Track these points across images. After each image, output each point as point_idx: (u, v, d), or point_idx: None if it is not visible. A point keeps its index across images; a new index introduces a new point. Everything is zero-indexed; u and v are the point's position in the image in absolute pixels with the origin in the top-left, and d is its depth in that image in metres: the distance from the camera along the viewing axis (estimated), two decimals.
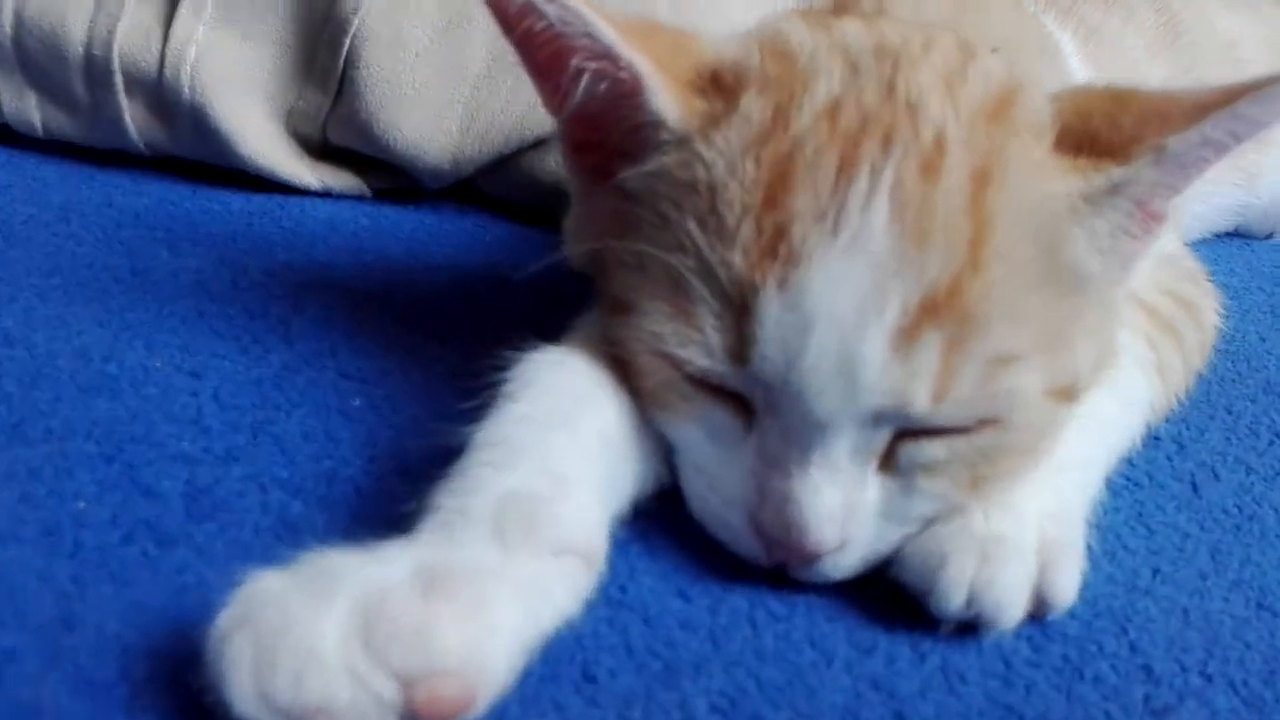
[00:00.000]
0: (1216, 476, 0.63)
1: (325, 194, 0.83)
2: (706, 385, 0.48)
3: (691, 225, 0.47)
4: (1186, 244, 0.78)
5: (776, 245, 0.45)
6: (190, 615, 0.43)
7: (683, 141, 0.49)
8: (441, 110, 0.79)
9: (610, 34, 0.48)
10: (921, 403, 0.45)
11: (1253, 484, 0.63)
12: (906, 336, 0.45)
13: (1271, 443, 0.67)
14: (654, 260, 0.48)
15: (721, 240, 0.46)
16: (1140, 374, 0.60)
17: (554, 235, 0.81)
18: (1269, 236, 0.99)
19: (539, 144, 0.81)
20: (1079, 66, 0.76)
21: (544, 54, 0.50)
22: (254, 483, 0.52)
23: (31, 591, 0.43)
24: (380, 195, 0.84)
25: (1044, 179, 0.47)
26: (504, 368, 0.50)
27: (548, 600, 0.42)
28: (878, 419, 0.46)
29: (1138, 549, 0.56)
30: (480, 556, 0.40)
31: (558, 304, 0.56)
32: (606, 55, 0.48)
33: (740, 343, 0.46)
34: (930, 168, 0.46)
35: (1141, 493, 0.60)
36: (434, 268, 0.76)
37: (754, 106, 0.48)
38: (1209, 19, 0.92)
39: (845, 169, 0.45)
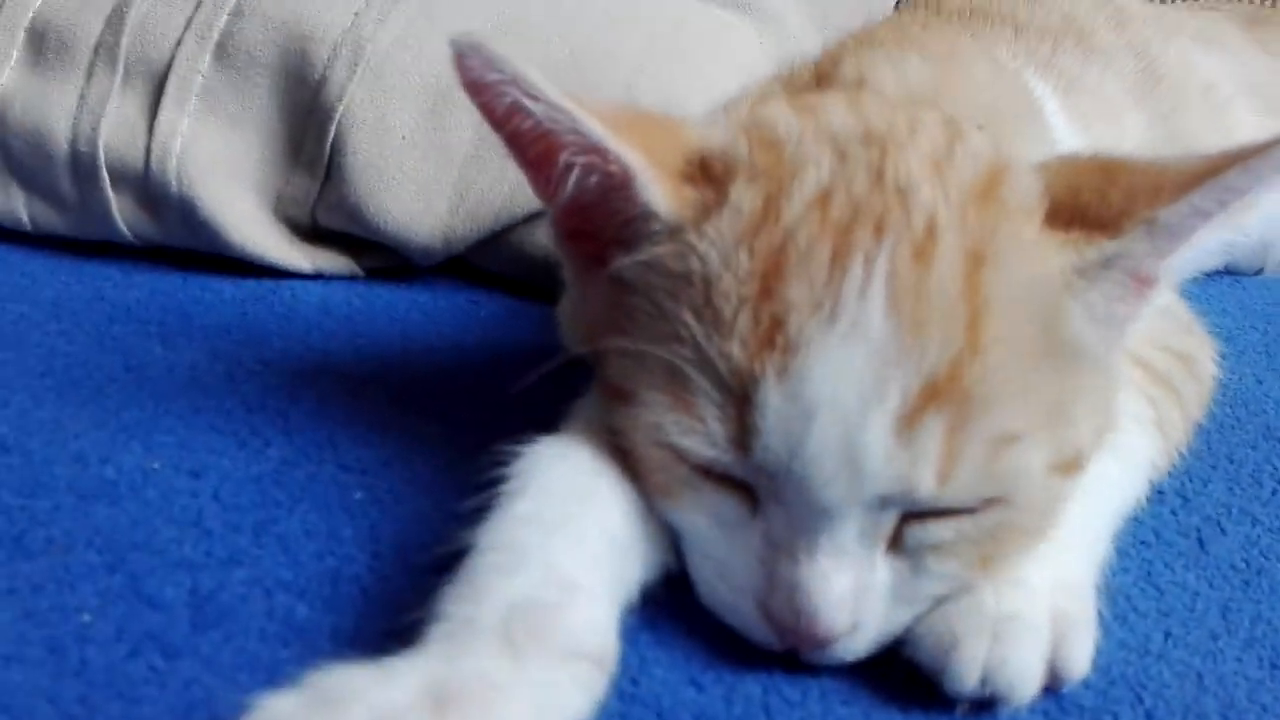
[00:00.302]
0: (1223, 530, 0.63)
1: (317, 276, 0.83)
2: (711, 474, 0.48)
3: (688, 316, 0.47)
4: (1178, 282, 0.79)
5: (774, 335, 0.45)
6: None
7: (675, 232, 0.49)
8: (430, 192, 0.79)
9: (598, 128, 0.49)
10: (927, 486, 0.45)
11: (1259, 536, 0.63)
12: (909, 422, 0.45)
13: (1275, 491, 0.67)
14: (652, 350, 0.48)
15: (719, 331, 0.46)
16: (1141, 433, 0.60)
17: (546, 309, 0.82)
18: (1258, 272, 1.00)
19: (528, 219, 0.81)
20: (1062, 120, 0.77)
21: (533, 150, 0.51)
22: (258, 586, 0.52)
23: (40, 715, 0.43)
24: (372, 274, 0.85)
25: (1037, 257, 0.48)
26: (505, 463, 0.50)
27: (561, 707, 0.41)
28: (884, 503, 0.46)
29: (1148, 611, 0.56)
30: (490, 667, 0.40)
31: (556, 379, 0.56)
32: (595, 150, 0.49)
33: (742, 432, 0.46)
34: (923, 253, 0.46)
35: (1149, 551, 0.60)
36: (429, 347, 0.76)
37: (744, 197, 0.48)
38: (1186, 62, 0.93)
39: (839, 258, 0.46)
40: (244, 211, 0.80)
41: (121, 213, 0.80)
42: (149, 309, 0.77)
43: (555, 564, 0.45)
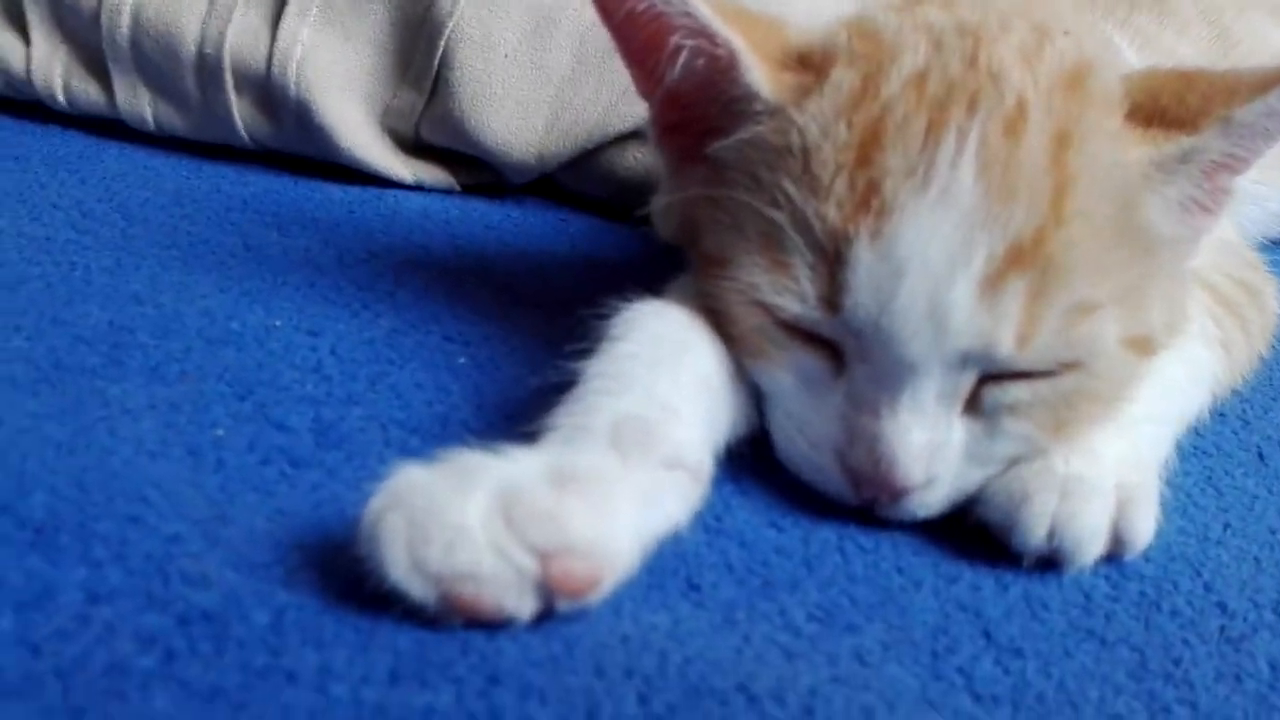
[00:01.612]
0: None
1: (417, 187, 0.88)
2: (799, 332, 0.52)
3: (786, 184, 0.51)
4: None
5: (869, 199, 0.49)
6: (330, 522, 0.47)
7: (776, 111, 0.52)
8: (529, 109, 0.84)
9: (707, 12, 0.52)
10: (1006, 346, 0.48)
11: None
12: (993, 284, 0.48)
13: None
14: (749, 217, 0.52)
15: (816, 196, 0.50)
16: (1205, 348, 0.63)
17: (631, 229, 0.86)
18: None
19: (619, 141, 0.85)
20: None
21: (644, 35, 0.54)
22: (374, 422, 0.56)
23: (185, 495, 0.47)
24: (467, 190, 0.89)
25: (1119, 146, 0.51)
26: (607, 316, 0.54)
27: (661, 508, 0.45)
28: (964, 362, 0.49)
29: (1208, 507, 0.58)
30: (603, 463, 0.44)
31: (646, 285, 0.60)
32: (704, 33, 0.53)
33: (833, 290, 0.49)
34: (1013, 129, 0.49)
35: (1210, 460, 0.63)
36: (524, 252, 0.80)
37: (844, 77, 0.51)
38: (1259, 32, 0.96)
39: (933, 130, 0.49)
40: (354, 120, 0.85)
41: (241, 115, 0.85)
42: (263, 203, 0.82)
43: (657, 391, 0.48)
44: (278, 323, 0.65)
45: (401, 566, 0.39)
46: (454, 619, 0.40)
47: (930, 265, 0.48)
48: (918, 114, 0.49)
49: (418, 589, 0.39)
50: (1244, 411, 0.68)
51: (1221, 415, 0.67)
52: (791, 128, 0.51)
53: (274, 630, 0.39)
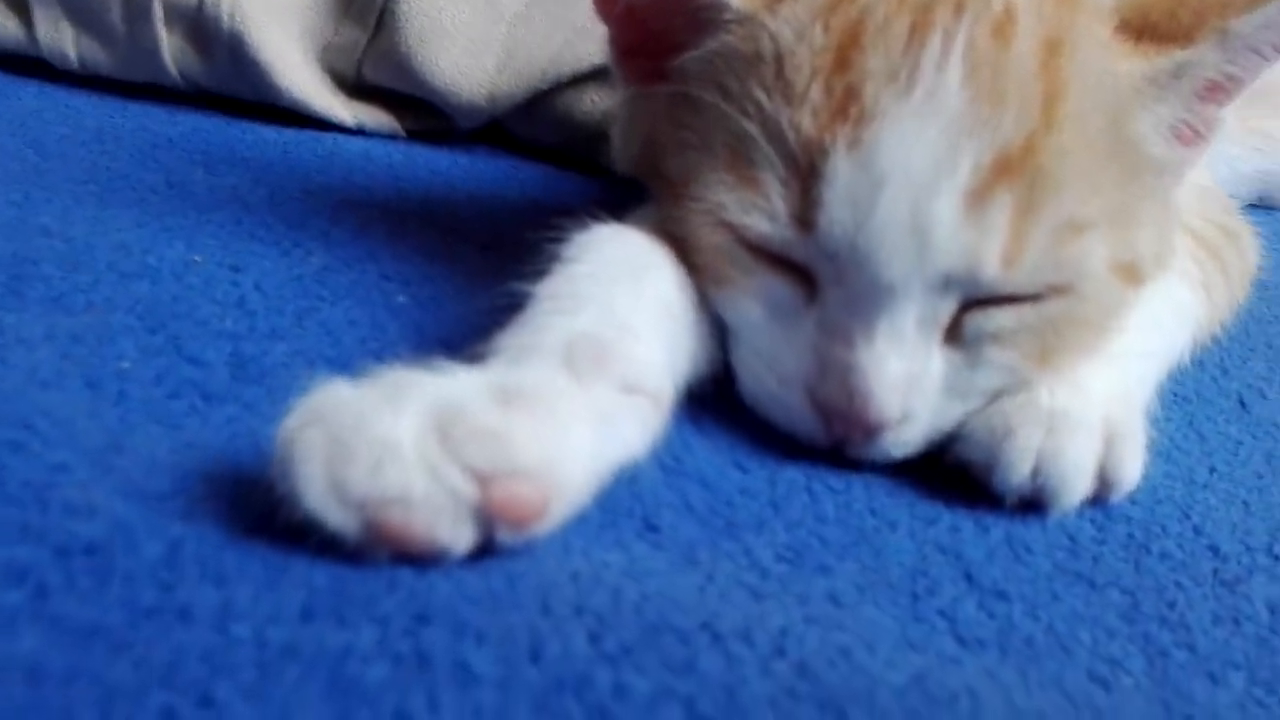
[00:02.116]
0: (1263, 396, 0.63)
1: (359, 131, 0.83)
2: (767, 256, 0.48)
3: (758, 93, 0.47)
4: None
5: (847, 106, 0.45)
6: (244, 456, 0.42)
7: (746, 19, 0.48)
8: (479, 47, 0.79)
9: None
10: (992, 266, 0.45)
11: None
12: (979, 196, 0.44)
13: None
14: (717, 130, 0.48)
15: (790, 103, 0.46)
16: (1188, 289, 0.60)
17: (586, 177, 0.81)
18: None
19: (575, 83, 0.81)
20: None
21: None
22: (300, 358, 0.51)
23: (78, 425, 0.42)
24: (413, 135, 0.84)
25: (1111, 57, 0.48)
26: (562, 239, 0.49)
27: (618, 433, 0.41)
28: (946, 284, 0.45)
29: (1192, 452, 0.56)
30: (553, 381, 0.39)
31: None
32: None
33: (806, 206, 0.46)
34: (1002, 32, 0.46)
35: (1191, 407, 0.60)
36: (471, 196, 0.75)
37: None
38: None
39: (917, 31, 0.45)
40: (291, 57, 0.80)
41: (171, 50, 0.80)
42: (192, 141, 0.77)
43: (615, 310, 0.44)
44: (198, 258, 0.59)
45: (319, 488, 0.34)
46: (379, 551, 0.35)
47: (913, 176, 0.44)
48: (900, 15, 0.46)
49: (337, 515, 0.34)
50: (1222, 360, 0.66)
51: (1200, 363, 0.64)
52: (763, 34, 0.47)
53: (167, 564, 0.34)
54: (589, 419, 0.39)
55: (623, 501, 0.43)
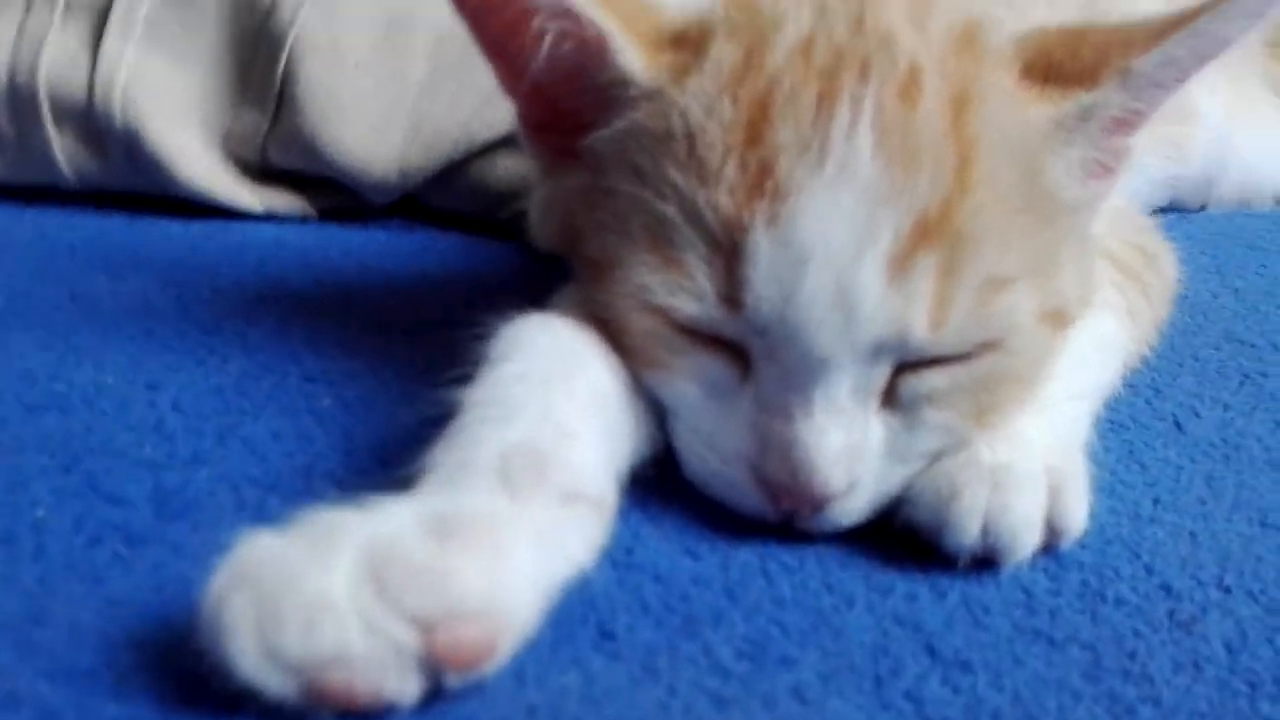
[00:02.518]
0: (1197, 415, 0.63)
1: (268, 217, 0.81)
2: (698, 336, 0.47)
3: (672, 172, 0.46)
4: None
5: (763, 181, 0.44)
6: (172, 608, 0.40)
7: (653, 94, 0.48)
8: (385, 120, 0.77)
9: None
10: (920, 330, 0.44)
11: (1232, 419, 0.63)
12: (901, 263, 0.44)
13: (1242, 382, 0.68)
14: (634, 214, 0.47)
15: (705, 183, 0.45)
16: (1113, 317, 0.60)
17: (504, 245, 0.80)
18: (1202, 208, 1.02)
19: (487, 151, 0.80)
20: None
21: (502, 18, 0.49)
22: (225, 482, 0.49)
23: None
24: (325, 215, 0.82)
25: (1018, 106, 0.48)
26: (486, 336, 0.48)
27: (562, 548, 0.40)
28: (878, 351, 0.45)
29: (1135, 483, 0.56)
30: (491, 503, 0.38)
31: (527, 303, 0.54)
32: (569, 14, 0.48)
33: (732, 286, 0.45)
34: (909, 94, 0.45)
35: (1129, 434, 0.60)
36: (389, 276, 0.74)
37: (725, 51, 0.47)
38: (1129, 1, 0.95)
39: (825, 100, 0.45)
40: (191, 148, 0.77)
41: (63, 150, 0.77)
42: (93, 247, 0.74)
43: (550, 413, 0.43)
44: (110, 379, 0.57)
45: (252, 657, 0.32)
46: (323, 712, 0.33)
47: (834, 248, 0.44)
48: (807, 84, 0.45)
49: (275, 682, 0.33)
50: (1154, 381, 0.66)
51: (1133, 386, 0.64)
52: (672, 110, 0.47)
53: None
54: (532, 540, 0.38)
55: (575, 609, 0.42)
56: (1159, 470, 0.57)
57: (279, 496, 0.49)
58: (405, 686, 0.34)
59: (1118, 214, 0.67)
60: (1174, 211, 1.01)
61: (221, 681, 0.34)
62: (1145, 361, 0.66)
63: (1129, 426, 0.61)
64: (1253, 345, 0.74)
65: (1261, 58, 1.06)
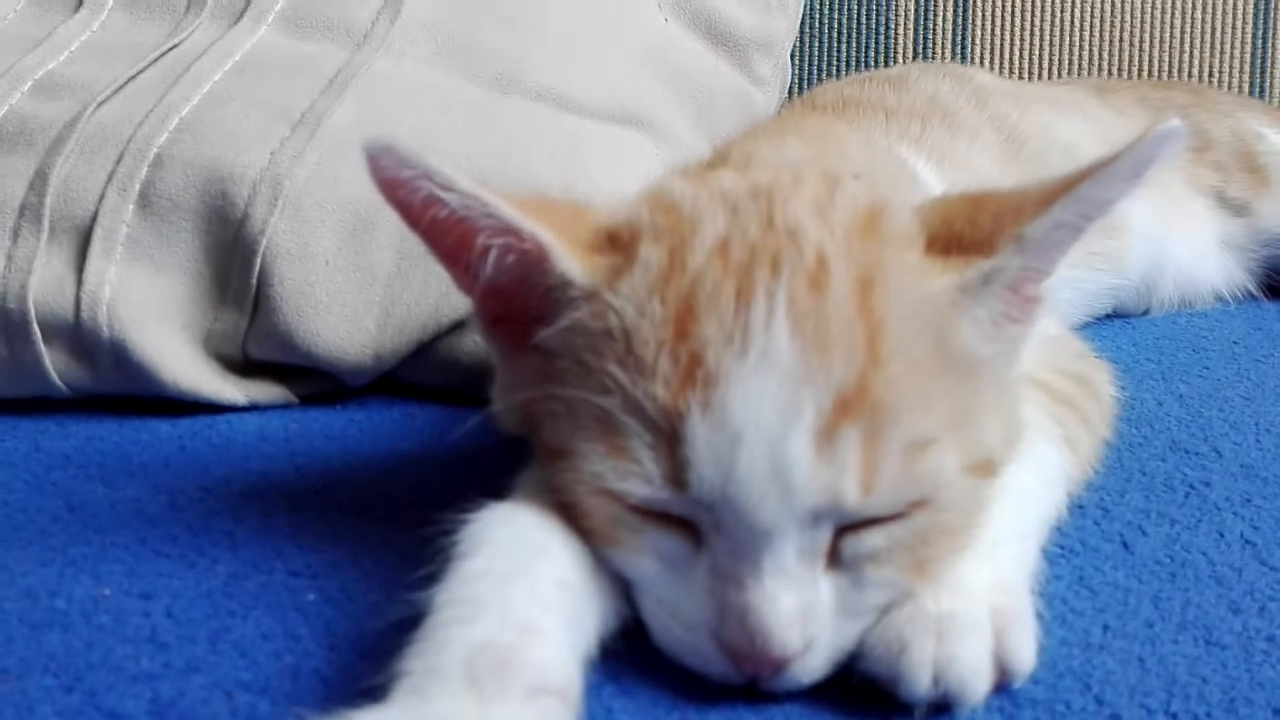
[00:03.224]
0: (1144, 532, 0.66)
1: (252, 407, 0.85)
2: (651, 515, 0.50)
3: (613, 368, 0.50)
4: (1069, 322, 0.84)
5: (694, 371, 0.48)
6: None
7: (592, 295, 0.52)
8: (357, 312, 0.82)
9: (510, 211, 0.52)
10: (852, 495, 0.48)
11: (1179, 534, 0.66)
12: (827, 435, 0.48)
13: (1188, 494, 0.71)
14: (583, 406, 0.51)
15: (643, 376, 0.49)
16: (1051, 447, 0.64)
17: (480, 411, 0.84)
18: (1145, 312, 1.06)
19: (455, 328, 0.84)
20: (935, 183, 0.83)
21: (450, 239, 0.54)
22: (218, 689, 0.52)
23: None
24: (306, 401, 0.86)
25: (922, 279, 0.52)
26: (453, 531, 0.51)
27: None
28: (816, 518, 0.48)
29: (1084, 610, 0.58)
30: (458, 709, 0.41)
31: (497, 475, 0.58)
32: (509, 230, 0.53)
33: (675, 468, 0.48)
34: (817, 283, 0.50)
35: (1078, 558, 0.63)
36: (369, 459, 0.77)
37: (651, 254, 0.52)
38: (1045, 127, 1.02)
39: (743, 295, 0.49)
40: (175, 351, 0.82)
41: (54, 365, 0.81)
42: (87, 453, 0.77)
43: (512, 610, 0.46)
44: (107, 591, 0.60)
45: None
46: None
47: (764, 428, 0.47)
48: (726, 281, 0.50)
49: None
50: (1102, 500, 0.69)
51: (1081, 508, 0.68)
52: (609, 311, 0.51)
53: None
54: None
55: None
56: (1108, 595, 0.60)
57: (269, 700, 0.51)
58: None
59: (1049, 342, 0.71)
60: (1118, 318, 1.06)
61: None
62: (1093, 481, 0.69)
63: (1078, 551, 0.64)
64: (1196, 453, 0.77)
65: (1184, 162, 1.11)
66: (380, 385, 0.88)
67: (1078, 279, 0.97)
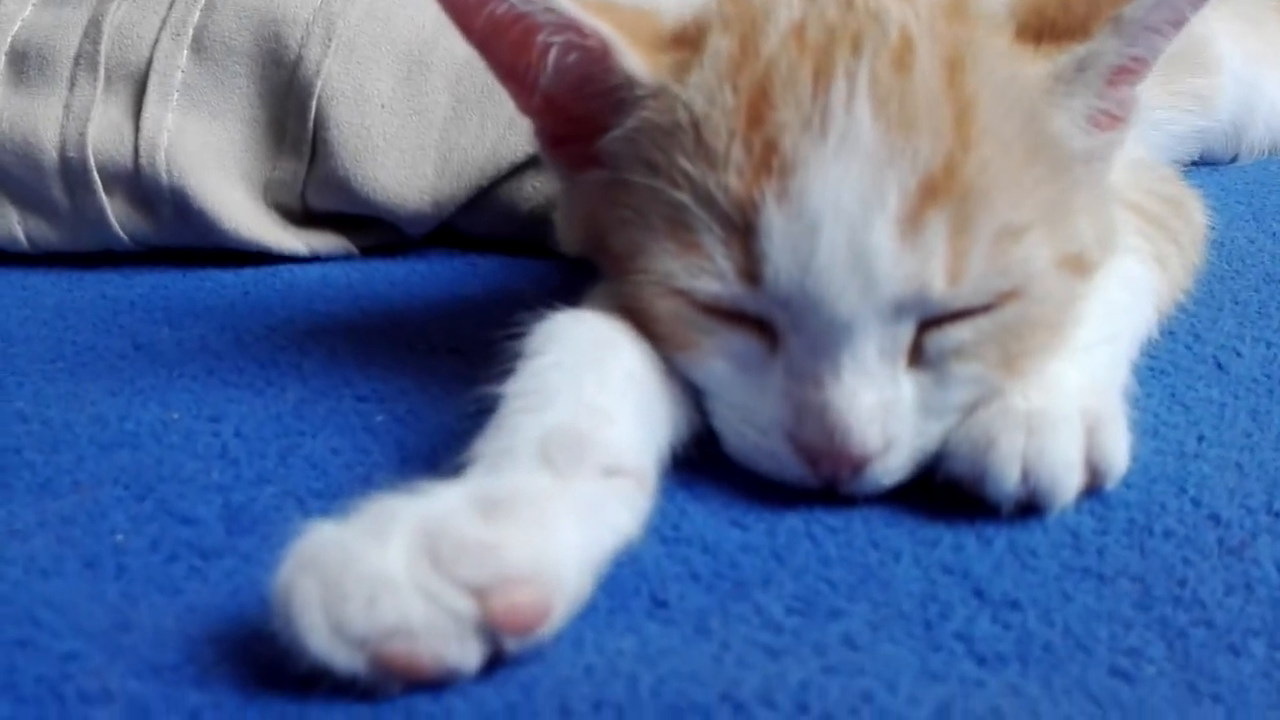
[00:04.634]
0: (1239, 354, 0.63)
1: (313, 258, 0.84)
2: (724, 314, 0.49)
3: (683, 162, 0.48)
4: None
5: (769, 159, 0.46)
6: (247, 609, 0.42)
7: (658, 92, 0.50)
8: (415, 156, 0.80)
9: (571, 4, 0.50)
10: (939, 285, 0.46)
11: (1275, 355, 0.63)
12: (912, 222, 0.45)
13: None
14: (651, 205, 0.49)
15: (714, 168, 0.47)
16: (1139, 264, 0.61)
17: (542, 262, 0.83)
18: (1234, 160, 1.01)
19: (514, 174, 0.82)
20: None
21: (508, 40, 0.52)
22: (290, 497, 0.52)
23: (83, 609, 0.42)
24: (366, 253, 0.85)
25: (1013, 63, 0.49)
26: (522, 335, 0.50)
27: (607, 519, 0.41)
28: (899, 310, 0.46)
29: (1178, 424, 0.56)
30: (533, 482, 0.40)
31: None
32: (571, 26, 0.50)
33: (751, 262, 0.46)
34: (902, 62, 0.47)
35: (1170, 378, 0.61)
36: (432, 302, 0.76)
37: (721, 44, 0.49)
38: None
39: (821, 77, 0.47)
40: (235, 200, 0.81)
41: (116, 215, 0.81)
42: (152, 300, 0.77)
43: (585, 397, 0.45)
44: (175, 415, 0.60)
45: (321, 634, 0.34)
46: (392, 684, 0.35)
47: (844, 215, 0.45)
48: (802, 64, 0.47)
49: (343, 657, 0.35)
50: (1193, 326, 0.66)
51: (1171, 333, 0.65)
52: (677, 104, 0.49)
53: None
54: (575, 512, 0.39)
55: (628, 582, 0.44)
56: (1202, 410, 0.57)
57: (340, 505, 0.51)
58: (466, 654, 0.36)
59: (1138, 165, 0.68)
60: (1205, 165, 1.01)
61: (295, 663, 0.36)
62: (1183, 307, 0.66)
63: (1170, 372, 0.61)
64: None
65: None
66: (440, 239, 0.87)
67: (1164, 120, 0.92)
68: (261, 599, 0.41)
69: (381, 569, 0.35)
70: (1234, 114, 0.98)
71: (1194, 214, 0.69)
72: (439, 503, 0.38)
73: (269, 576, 0.42)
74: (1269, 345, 0.64)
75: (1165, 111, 0.93)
